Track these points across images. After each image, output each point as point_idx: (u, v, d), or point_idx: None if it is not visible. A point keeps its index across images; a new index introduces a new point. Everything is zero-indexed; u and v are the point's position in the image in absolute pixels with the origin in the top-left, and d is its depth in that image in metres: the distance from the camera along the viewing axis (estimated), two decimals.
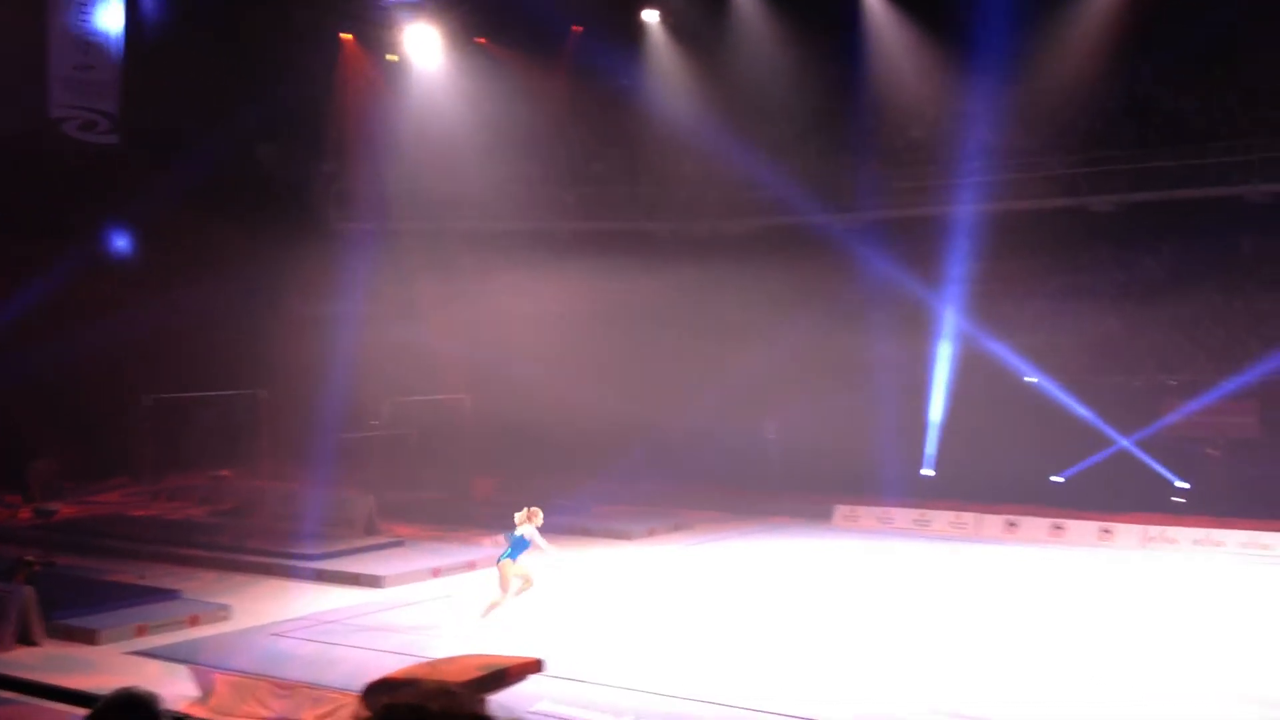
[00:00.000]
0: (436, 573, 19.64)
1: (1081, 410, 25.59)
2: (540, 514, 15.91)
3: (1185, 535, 22.04)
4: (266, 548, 20.67)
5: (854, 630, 15.96)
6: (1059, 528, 23.11)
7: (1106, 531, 22.67)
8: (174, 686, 12.94)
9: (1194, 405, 24.75)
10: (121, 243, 30.46)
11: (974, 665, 14.26)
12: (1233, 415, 24.46)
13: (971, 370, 27.19)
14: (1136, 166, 28.68)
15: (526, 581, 15.88)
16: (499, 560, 15.88)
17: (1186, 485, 24.41)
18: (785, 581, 19.43)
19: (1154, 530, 22.36)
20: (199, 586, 18.72)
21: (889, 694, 13.14)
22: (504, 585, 15.69)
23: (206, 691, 12.89)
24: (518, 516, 15.86)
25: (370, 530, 22.31)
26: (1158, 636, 15.59)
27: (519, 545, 15.71)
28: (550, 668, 12.80)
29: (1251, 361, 24.97)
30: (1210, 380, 25.23)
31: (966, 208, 29.57)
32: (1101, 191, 29.17)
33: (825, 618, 16.70)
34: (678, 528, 24.59)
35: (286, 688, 12.52)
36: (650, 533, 23.94)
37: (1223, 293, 27.07)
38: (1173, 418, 24.82)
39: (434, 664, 12.29)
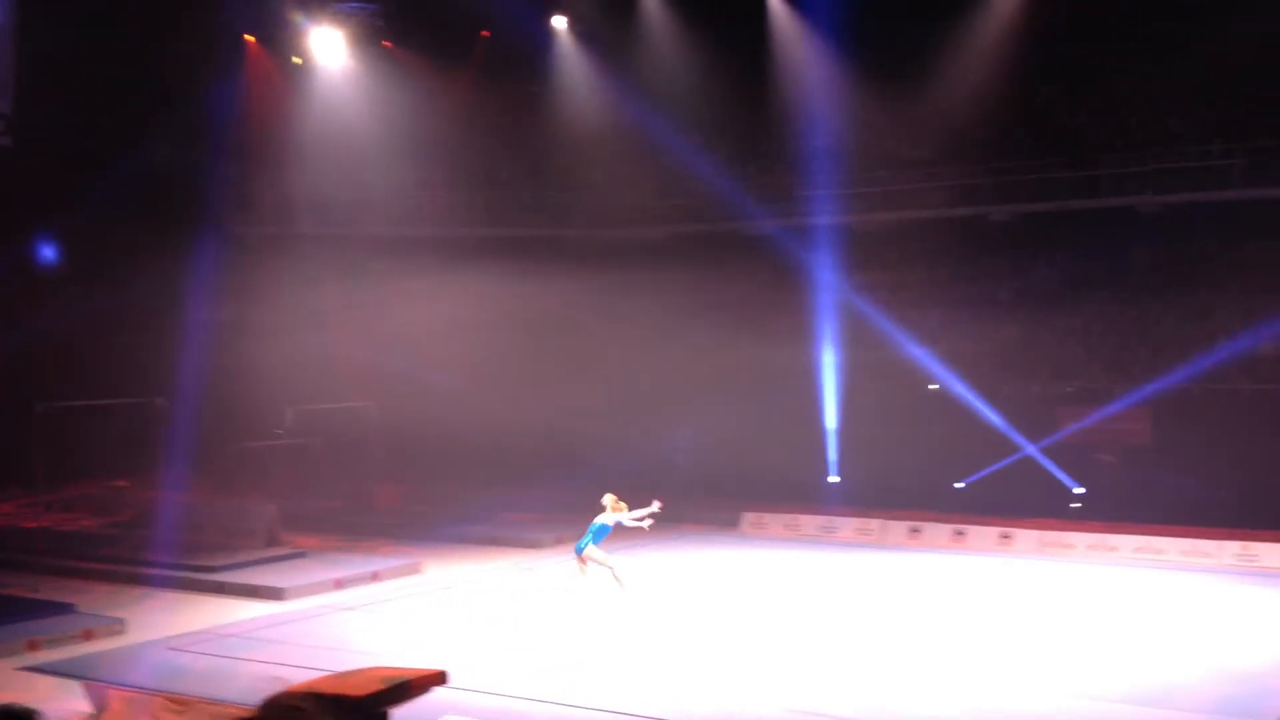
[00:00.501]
0: (340, 584, 19.41)
1: (983, 417, 26.09)
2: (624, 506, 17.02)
3: (1081, 540, 22.63)
4: (164, 560, 20.21)
5: (747, 637, 16.12)
6: (960, 534, 23.56)
7: (1006, 537, 23.16)
8: (67, 703, 12.65)
9: (1094, 413, 25.35)
10: (17, 248, 29.63)
11: (847, 667, 14.56)
12: (1126, 422, 25.12)
13: (877, 377, 27.57)
14: (1033, 177, 29.38)
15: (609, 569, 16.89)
16: (578, 550, 16.83)
17: (1082, 490, 25.00)
18: (690, 590, 19.54)
19: (1051, 536, 22.90)
20: (93, 600, 18.28)
21: (766, 696, 13.32)
22: (583, 569, 16.82)
23: (100, 708, 12.59)
24: (606, 501, 17.04)
25: (271, 541, 21.96)
26: (1027, 638, 16.01)
27: (600, 533, 16.73)
28: (454, 679, 12.73)
29: (1142, 369, 25.69)
30: (1104, 387, 25.93)
31: (871, 216, 30.08)
32: (1000, 201, 29.81)
33: (726, 625, 16.84)
34: None
35: (183, 703, 12.26)
36: (559, 541, 23.88)
37: (1115, 302, 27.79)
38: (1075, 426, 25.41)
39: (336, 677, 12.11)
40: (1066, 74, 29.82)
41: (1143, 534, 22.34)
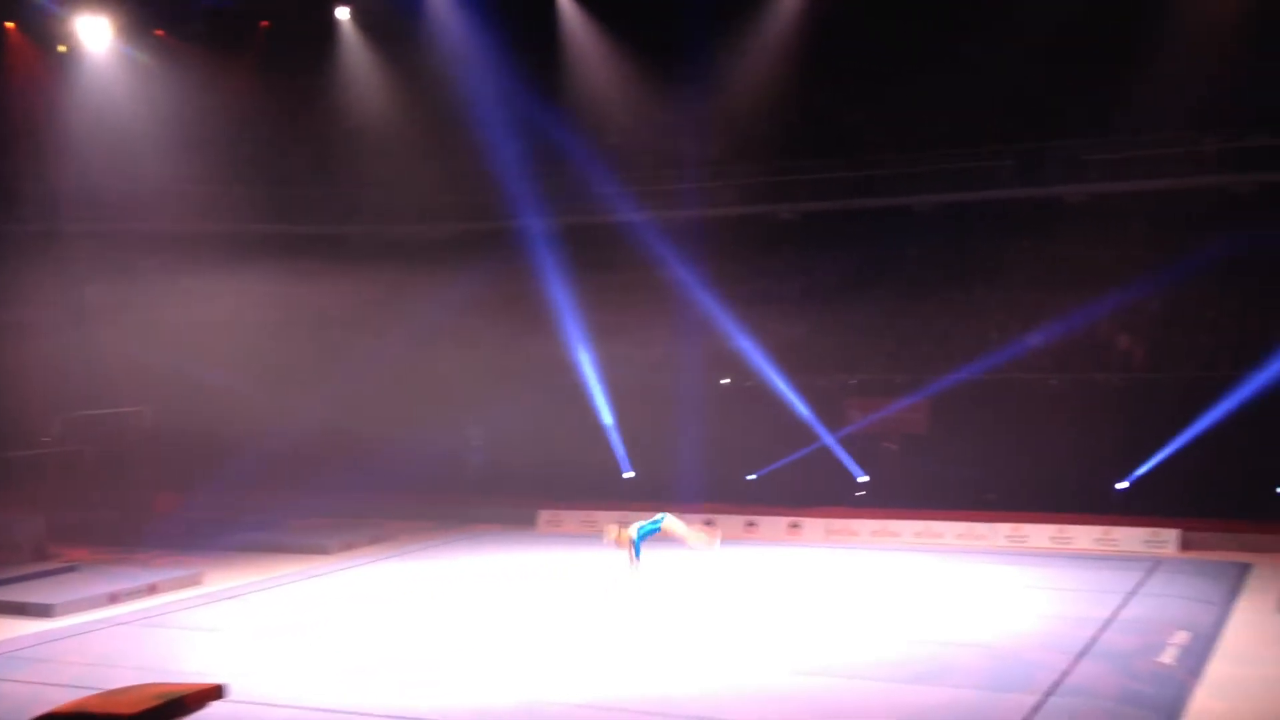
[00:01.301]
0: (114, 598, 18.47)
1: (775, 409, 26.65)
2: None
3: (865, 527, 23.46)
4: None
5: (535, 632, 16.07)
6: (752, 524, 24.05)
7: (795, 526, 23.79)
8: None
9: (878, 404, 26.22)
10: None
11: (623, 657, 14.68)
12: (906, 412, 26.09)
13: (670, 372, 27.87)
14: (816, 177, 30.24)
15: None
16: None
17: (866, 479, 25.84)
18: (480, 590, 19.34)
19: (838, 524, 23.65)
20: None
21: (559, 689, 13.34)
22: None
23: None
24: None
25: (39, 555, 20.81)
26: (802, 622, 16.45)
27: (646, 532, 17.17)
28: (234, 692, 12.26)
29: (920, 361, 26.72)
30: (885, 379, 26.88)
31: (660, 214, 30.41)
32: (785, 200, 30.59)
33: (517, 623, 16.69)
34: (376, 539, 24.14)
35: None
36: (346, 546, 23.38)
37: (894, 298, 28.82)
38: (868, 420, 26.21)
39: (107, 695, 11.53)
40: (846, 76, 30.75)
41: (922, 519, 23.30)
